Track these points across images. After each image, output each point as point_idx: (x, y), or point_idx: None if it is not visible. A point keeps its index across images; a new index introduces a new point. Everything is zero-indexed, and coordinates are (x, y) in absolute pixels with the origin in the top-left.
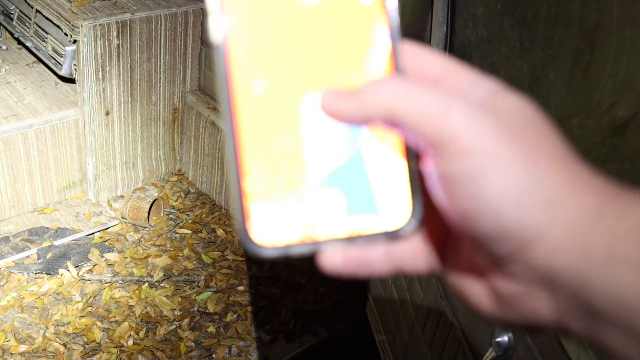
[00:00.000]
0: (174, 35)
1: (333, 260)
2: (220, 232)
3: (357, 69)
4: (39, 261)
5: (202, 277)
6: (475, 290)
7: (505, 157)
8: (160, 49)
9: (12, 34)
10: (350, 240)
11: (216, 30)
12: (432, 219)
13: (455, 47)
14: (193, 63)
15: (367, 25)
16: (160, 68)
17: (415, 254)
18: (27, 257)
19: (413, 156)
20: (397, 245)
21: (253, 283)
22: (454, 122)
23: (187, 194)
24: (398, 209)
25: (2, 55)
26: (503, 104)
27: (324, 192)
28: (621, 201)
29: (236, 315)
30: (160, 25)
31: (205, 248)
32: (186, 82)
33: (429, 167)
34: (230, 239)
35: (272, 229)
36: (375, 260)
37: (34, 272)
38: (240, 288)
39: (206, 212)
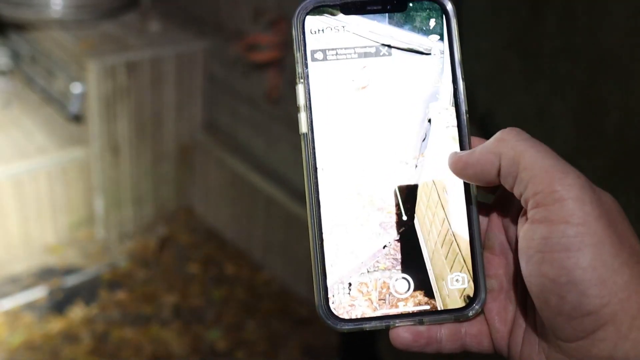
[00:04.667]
0: (181, 73)
1: (403, 336)
2: (229, 268)
3: (433, 147)
4: (49, 300)
5: (212, 314)
6: None
7: (601, 237)
8: (168, 88)
9: (22, 74)
10: (419, 318)
11: (304, 123)
12: (501, 302)
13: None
14: (200, 101)
15: (435, 104)
16: (168, 106)
17: (479, 334)
18: (37, 296)
19: (479, 242)
20: (462, 325)
21: (262, 319)
22: (568, 187)
23: (196, 231)
24: (464, 292)
25: (12, 95)
26: (601, 193)
27: (397, 273)
28: None
29: (246, 352)
30: (168, 64)
31: (214, 285)
32: (194, 119)
33: (523, 231)
34: (239, 275)
35: (349, 305)
36: (442, 338)
37: (44, 311)
38: (250, 325)
39: (215, 249)
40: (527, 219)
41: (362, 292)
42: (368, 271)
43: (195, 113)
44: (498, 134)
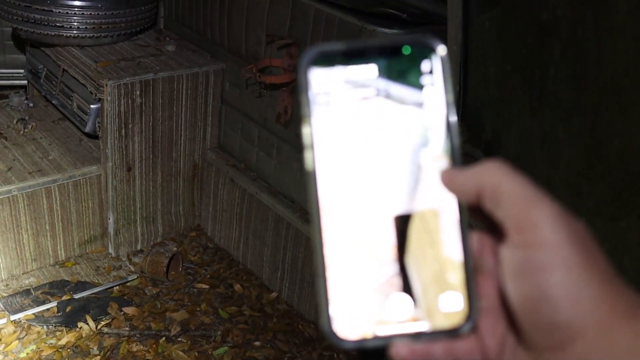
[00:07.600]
0: (195, 94)
1: (401, 353)
2: (237, 287)
3: (427, 189)
4: (59, 314)
5: (219, 332)
6: None
7: (572, 259)
8: (181, 108)
9: (39, 92)
10: (416, 336)
11: (310, 161)
12: (491, 320)
13: (467, 106)
14: (213, 121)
15: (428, 151)
16: (181, 126)
17: (472, 350)
18: (47, 309)
19: (472, 265)
20: (456, 342)
21: (269, 338)
22: (542, 214)
23: (205, 249)
24: (458, 310)
25: (29, 112)
26: (573, 220)
27: (395, 295)
28: None
29: None
30: (182, 84)
31: (222, 303)
32: (206, 139)
33: (504, 253)
34: (247, 294)
35: (351, 325)
36: (437, 354)
37: (54, 324)
38: (257, 343)
39: (224, 267)
40: (507, 243)
41: (365, 314)
42: (368, 304)
43: (207, 133)
44: (485, 164)
